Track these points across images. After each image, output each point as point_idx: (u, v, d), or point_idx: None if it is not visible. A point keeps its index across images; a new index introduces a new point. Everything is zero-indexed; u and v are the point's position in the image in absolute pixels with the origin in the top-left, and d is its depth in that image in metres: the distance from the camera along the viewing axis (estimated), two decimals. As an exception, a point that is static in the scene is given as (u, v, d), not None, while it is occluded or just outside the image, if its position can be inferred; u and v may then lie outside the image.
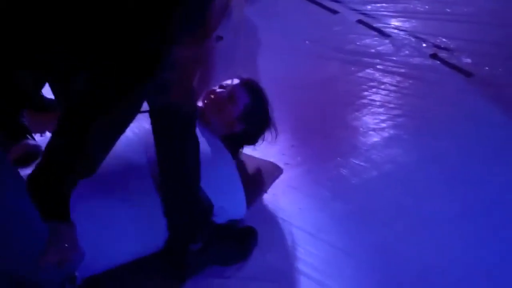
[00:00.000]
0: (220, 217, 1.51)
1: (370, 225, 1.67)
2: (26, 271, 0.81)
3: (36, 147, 1.26)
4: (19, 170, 0.78)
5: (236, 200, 1.58)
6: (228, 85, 1.69)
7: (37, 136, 1.54)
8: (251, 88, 1.71)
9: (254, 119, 1.71)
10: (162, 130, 1.28)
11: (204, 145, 1.51)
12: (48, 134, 1.59)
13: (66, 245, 0.82)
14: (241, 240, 1.52)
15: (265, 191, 1.78)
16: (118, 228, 1.31)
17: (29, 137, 1.32)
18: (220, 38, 2.69)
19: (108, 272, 1.33)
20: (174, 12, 0.73)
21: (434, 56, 2.68)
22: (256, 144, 1.76)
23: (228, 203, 1.54)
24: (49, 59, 0.72)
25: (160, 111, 1.21)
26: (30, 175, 0.78)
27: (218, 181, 1.51)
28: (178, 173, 1.33)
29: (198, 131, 1.39)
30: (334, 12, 3.13)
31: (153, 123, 1.27)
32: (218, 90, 1.68)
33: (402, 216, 1.71)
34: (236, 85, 1.69)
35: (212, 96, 1.68)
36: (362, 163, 1.95)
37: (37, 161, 0.79)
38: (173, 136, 1.28)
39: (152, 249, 1.42)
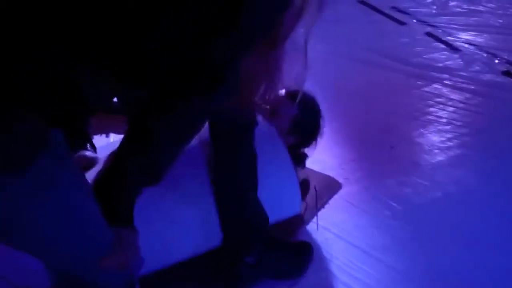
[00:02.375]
0: (274, 213, 1.47)
1: (429, 248, 1.59)
2: (86, 274, 0.83)
3: (93, 159, 1.29)
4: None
5: (290, 194, 1.55)
6: (271, 100, 1.64)
7: (102, 138, 1.59)
8: (301, 99, 1.65)
9: (305, 129, 1.66)
10: (219, 138, 1.28)
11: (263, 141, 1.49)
12: (112, 136, 1.64)
13: (128, 250, 0.83)
14: (297, 254, 1.49)
15: (323, 206, 1.75)
16: (170, 226, 1.32)
17: (88, 146, 1.36)
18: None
19: (162, 282, 1.33)
20: (242, 19, 0.70)
21: (506, 73, 2.56)
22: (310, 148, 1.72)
23: (282, 197, 1.52)
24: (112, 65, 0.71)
25: (219, 119, 1.21)
26: (96, 178, 0.79)
27: (273, 172, 1.47)
28: (232, 184, 1.33)
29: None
30: (402, 23, 3.06)
31: (211, 131, 1.27)
32: (262, 106, 1.65)
33: (465, 240, 1.63)
34: (280, 99, 1.63)
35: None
36: (425, 183, 1.88)
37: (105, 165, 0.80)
38: (229, 145, 1.27)
39: (205, 248, 1.41)
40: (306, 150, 1.72)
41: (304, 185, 1.64)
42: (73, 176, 0.73)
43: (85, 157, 1.27)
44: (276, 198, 1.51)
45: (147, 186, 0.82)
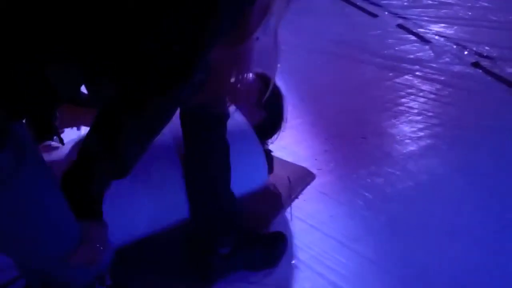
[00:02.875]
0: (242, 186, 1.47)
1: (401, 236, 1.61)
2: (55, 269, 0.81)
3: (58, 149, 1.26)
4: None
5: (257, 165, 1.56)
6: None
7: (72, 130, 1.56)
8: (264, 79, 1.65)
9: (272, 102, 1.64)
10: (190, 130, 1.27)
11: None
12: (83, 129, 1.61)
13: (97, 244, 0.82)
14: (270, 245, 1.50)
15: (296, 197, 1.75)
16: (137, 208, 1.30)
17: (55, 138, 1.33)
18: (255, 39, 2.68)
19: (135, 273, 1.32)
20: (208, 13, 0.70)
21: (476, 65, 2.60)
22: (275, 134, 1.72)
23: (249, 167, 1.52)
24: (78, 56, 0.70)
25: (190, 111, 1.20)
26: (63, 173, 0.77)
27: (238, 146, 1.45)
28: (204, 175, 1.32)
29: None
30: (374, 15, 3.08)
31: (182, 122, 1.26)
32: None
33: (435, 228, 1.66)
34: (251, 77, 1.63)
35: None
36: (397, 172, 1.90)
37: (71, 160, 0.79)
38: (201, 137, 1.27)
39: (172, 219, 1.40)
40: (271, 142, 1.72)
41: (268, 156, 1.65)
42: (37, 170, 0.71)
43: (50, 146, 1.24)
44: (244, 169, 1.49)
45: (114, 179, 0.81)
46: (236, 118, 1.55)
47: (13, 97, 0.66)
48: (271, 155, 1.73)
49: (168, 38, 0.70)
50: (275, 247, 1.50)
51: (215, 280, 1.40)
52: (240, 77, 0.88)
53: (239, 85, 0.93)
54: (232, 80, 0.92)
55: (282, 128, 1.71)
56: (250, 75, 1.62)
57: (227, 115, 1.29)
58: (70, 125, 1.55)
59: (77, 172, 0.78)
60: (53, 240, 0.76)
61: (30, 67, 0.64)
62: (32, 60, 0.65)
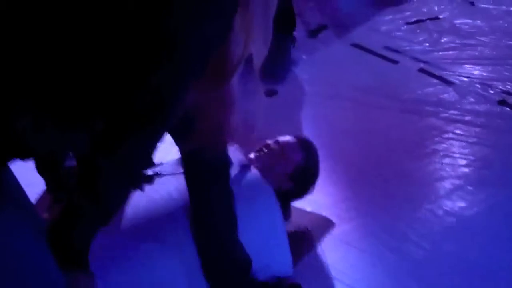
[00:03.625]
0: (264, 274, 1.45)
1: (426, 283, 1.53)
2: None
3: None
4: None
5: (281, 256, 1.52)
6: (282, 142, 1.67)
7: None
8: (305, 147, 1.68)
9: (304, 178, 1.67)
10: (192, 179, 1.27)
11: (254, 195, 1.50)
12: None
13: (84, 296, 0.81)
14: None
15: (315, 246, 1.70)
16: (152, 280, 1.29)
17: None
18: (275, 92, 2.72)
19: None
20: (175, 54, 0.71)
21: (502, 103, 2.53)
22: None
23: (272, 259, 1.49)
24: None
25: (190, 159, 1.21)
26: (48, 224, 0.79)
27: (262, 234, 1.47)
28: (210, 225, 1.31)
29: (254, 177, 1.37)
30: (395, 62, 3.07)
31: (185, 171, 1.27)
32: (272, 145, 1.67)
33: (466, 273, 1.57)
34: (290, 142, 1.67)
35: (266, 151, 1.66)
36: (422, 216, 1.83)
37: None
38: (204, 186, 1.26)
39: None
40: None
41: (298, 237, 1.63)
42: (20, 217, 0.72)
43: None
44: (268, 264, 1.48)
45: (98, 227, 0.81)
46: (264, 197, 1.54)
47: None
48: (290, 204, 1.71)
49: (140, 79, 0.71)
50: None
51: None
52: (229, 117, 0.88)
53: (232, 126, 0.93)
54: (222, 121, 0.92)
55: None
56: (291, 140, 1.65)
57: (229, 164, 1.29)
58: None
59: (61, 222, 0.79)
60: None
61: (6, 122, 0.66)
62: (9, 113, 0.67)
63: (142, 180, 1.13)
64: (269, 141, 1.69)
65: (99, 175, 0.76)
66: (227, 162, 1.29)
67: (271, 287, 1.47)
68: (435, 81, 2.82)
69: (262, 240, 1.47)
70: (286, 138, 1.69)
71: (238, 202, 1.38)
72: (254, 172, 1.57)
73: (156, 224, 1.34)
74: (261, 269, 1.44)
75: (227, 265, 1.34)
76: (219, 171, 1.27)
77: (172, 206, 1.38)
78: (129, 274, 1.27)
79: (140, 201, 1.33)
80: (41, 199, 1.18)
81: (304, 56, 3.03)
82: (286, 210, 1.67)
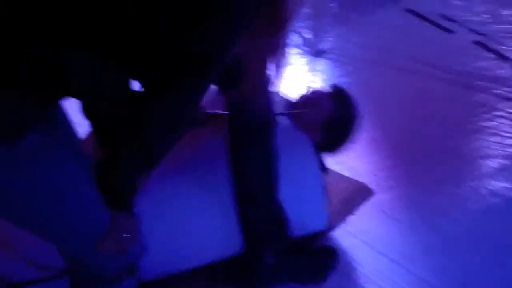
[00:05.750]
0: (299, 228, 1.44)
1: (464, 260, 1.50)
2: (85, 257, 0.83)
3: None
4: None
5: (316, 208, 1.50)
6: (316, 91, 1.62)
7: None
8: (340, 97, 1.59)
9: (336, 129, 1.57)
10: (236, 136, 1.25)
11: (294, 151, 1.47)
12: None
13: (126, 235, 0.82)
14: (319, 259, 1.45)
15: (352, 212, 1.69)
16: (187, 227, 1.31)
17: None
18: (322, 52, 2.65)
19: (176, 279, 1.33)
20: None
21: (561, 84, 2.40)
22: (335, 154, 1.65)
23: (308, 210, 1.48)
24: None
25: (235, 111, 1.19)
26: (96, 163, 0.79)
27: (299, 188, 1.45)
28: (250, 183, 1.30)
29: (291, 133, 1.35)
30: (450, 31, 2.95)
31: (230, 129, 1.25)
32: (306, 94, 1.60)
33: (502, 255, 1.52)
34: (324, 92, 1.59)
35: (299, 100, 1.60)
36: (464, 193, 1.78)
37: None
38: (247, 142, 1.25)
39: (222, 256, 1.39)
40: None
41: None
42: (69, 153, 0.73)
43: None
44: (303, 214, 1.47)
45: (144, 171, 0.82)
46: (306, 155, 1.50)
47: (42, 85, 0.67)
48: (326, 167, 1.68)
49: (195, 24, 0.69)
50: (323, 262, 1.44)
51: (260, 288, 1.37)
52: (278, 69, 0.85)
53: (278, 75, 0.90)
54: (270, 72, 0.89)
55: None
56: (325, 92, 1.57)
57: (273, 122, 1.26)
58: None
59: (107, 165, 0.79)
60: (80, 226, 0.78)
61: (45, 49, 0.65)
62: (48, 41, 0.66)
63: (188, 127, 1.11)
64: (303, 91, 1.63)
65: (147, 121, 0.76)
66: (271, 119, 1.26)
67: (305, 246, 1.47)
68: (491, 55, 2.70)
69: (297, 189, 1.44)
70: (320, 87, 1.62)
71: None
72: (289, 121, 1.54)
73: (196, 166, 1.34)
74: (296, 222, 1.42)
75: (263, 220, 1.35)
76: (263, 126, 1.25)
77: (213, 154, 1.37)
78: (164, 213, 1.28)
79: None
80: (87, 139, 1.19)
81: (355, 16, 2.93)
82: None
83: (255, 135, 1.26)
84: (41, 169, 0.67)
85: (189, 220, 1.30)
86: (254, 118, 1.22)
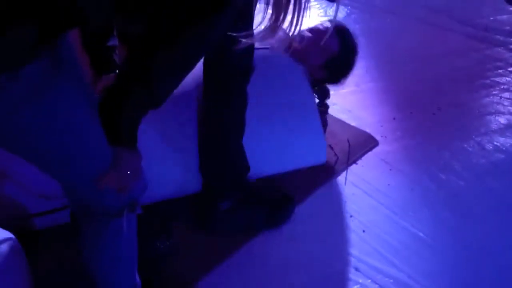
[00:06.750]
0: (300, 161, 1.48)
1: (462, 215, 1.51)
2: (87, 193, 0.84)
3: None
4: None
5: (314, 141, 1.55)
6: (318, 30, 1.59)
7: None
8: (342, 35, 1.60)
9: (338, 68, 1.62)
10: (212, 79, 1.23)
11: (292, 85, 1.51)
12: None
13: (128, 172, 0.83)
14: (275, 207, 1.43)
15: (355, 161, 1.69)
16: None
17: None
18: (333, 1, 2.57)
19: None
20: None
21: None
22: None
23: (306, 143, 1.52)
24: None
25: (214, 58, 1.16)
26: (100, 98, 0.78)
27: (298, 122, 1.49)
28: (218, 129, 1.29)
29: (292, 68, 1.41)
30: (470, -19, 2.84)
31: (205, 71, 1.22)
32: (307, 34, 1.58)
33: (500, 212, 1.53)
34: (327, 30, 1.57)
35: (302, 39, 1.58)
36: (469, 148, 1.77)
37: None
38: (221, 91, 1.23)
39: (181, 192, 1.41)
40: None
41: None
42: (73, 85, 0.72)
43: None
44: (302, 146, 1.51)
45: (148, 109, 0.81)
46: (300, 86, 1.52)
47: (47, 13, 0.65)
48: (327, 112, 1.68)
49: None
50: (279, 209, 1.44)
51: (216, 231, 1.37)
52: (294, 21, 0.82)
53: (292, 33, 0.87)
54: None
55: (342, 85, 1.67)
56: (329, 31, 1.55)
57: (251, 71, 1.23)
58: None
59: (111, 98, 0.78)
60: (82, 160, 0.78)
61: None
62: None
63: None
64: (303, 29, 1.60)
65: (154, 61, 0.74)
66: (250, 69, 1.23)
67: (262, 194, 1.45)
68: (511, 8, 2.61)
69: (294, 122, 1.49)
70: (321, 26, 1.60)
71: (271, 84, 1.43)
72: (285, 55, 1.54)
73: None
74: (296, 154, 1.46)
75: (224, 165, 1.34)
76: (241, 73, 1.22)
77: (186, 99, 1.37)
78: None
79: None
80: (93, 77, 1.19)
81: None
82: (323, 95, 1.66)
83: (232, 82, 1.23)
84: (45, 98, 0.66)
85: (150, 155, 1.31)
86: (233, 66, 1.19)
